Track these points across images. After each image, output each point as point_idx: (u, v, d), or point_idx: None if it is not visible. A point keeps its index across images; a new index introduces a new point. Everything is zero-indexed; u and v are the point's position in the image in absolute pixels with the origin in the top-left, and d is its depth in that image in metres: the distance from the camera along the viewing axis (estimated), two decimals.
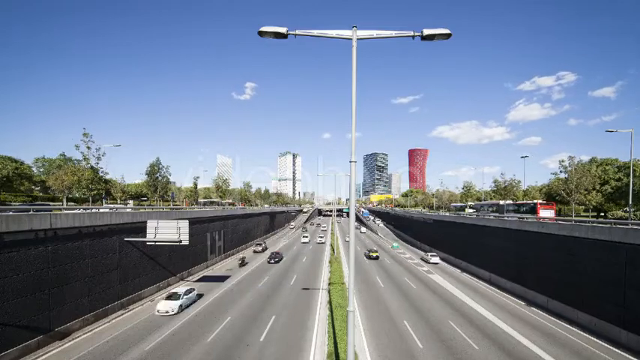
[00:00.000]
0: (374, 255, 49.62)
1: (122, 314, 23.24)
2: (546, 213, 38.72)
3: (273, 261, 44.10)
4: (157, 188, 48.73)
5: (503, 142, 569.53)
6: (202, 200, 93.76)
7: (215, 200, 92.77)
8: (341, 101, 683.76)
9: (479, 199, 76.07)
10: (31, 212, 18.11)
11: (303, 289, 30.84)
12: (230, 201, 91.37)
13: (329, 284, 30.45)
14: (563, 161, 40.57)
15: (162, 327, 20.93)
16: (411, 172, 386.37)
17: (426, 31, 9.30)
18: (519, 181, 57.22)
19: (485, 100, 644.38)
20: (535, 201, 47.59)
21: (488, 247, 37.05)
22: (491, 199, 68.56)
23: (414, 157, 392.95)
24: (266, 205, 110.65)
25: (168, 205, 71.47)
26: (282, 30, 9.41)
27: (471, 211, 62.42)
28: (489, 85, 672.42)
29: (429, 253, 50.09)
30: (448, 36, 9.39)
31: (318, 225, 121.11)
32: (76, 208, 25.17)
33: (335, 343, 17.06)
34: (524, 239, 30.08)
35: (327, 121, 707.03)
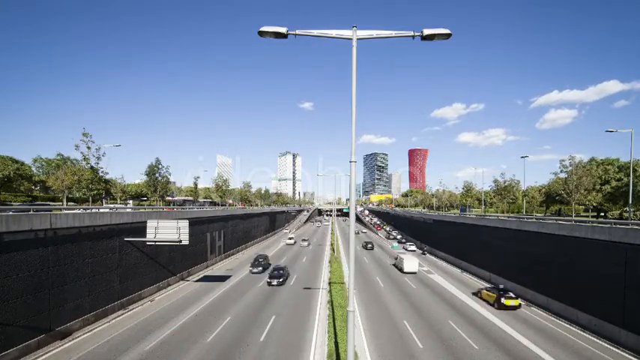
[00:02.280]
0: None
1: (122, 314, 23.25)
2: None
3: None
4: (156, 188, 48.71)
5: (519, 146, 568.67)
6: (201, 200, 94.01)
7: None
8: (342, 101, 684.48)
9: (479, 200, 79.98)
10: (31, 212, 18.09)
11: (304, 288, 30.84)
12: (230, 202, 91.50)
13: (329, 284, 30.47)
14: (563, 160, 40.50)
15: (163, 327, 20.94)
16: (411, 172, 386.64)
17: (426, 31, 9.30)
18: (519, 181, 57.28)
19: (513, 108, 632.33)
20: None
21: (488, 247, 37.04)
22: (490, 199, 68.85)
23: (414, 157, 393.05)
24: (266, 206, 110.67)
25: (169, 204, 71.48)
26: (282, 30, 9.40)
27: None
28: (516, 93, 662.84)
29: (408, 243, 63.27)
30: (448, 36, 9.40)
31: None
32: (76, 208, 25.12)
33: (335, 342, 17.07)
34: (524, 239, 30.07)
35: (328, 120, 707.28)
